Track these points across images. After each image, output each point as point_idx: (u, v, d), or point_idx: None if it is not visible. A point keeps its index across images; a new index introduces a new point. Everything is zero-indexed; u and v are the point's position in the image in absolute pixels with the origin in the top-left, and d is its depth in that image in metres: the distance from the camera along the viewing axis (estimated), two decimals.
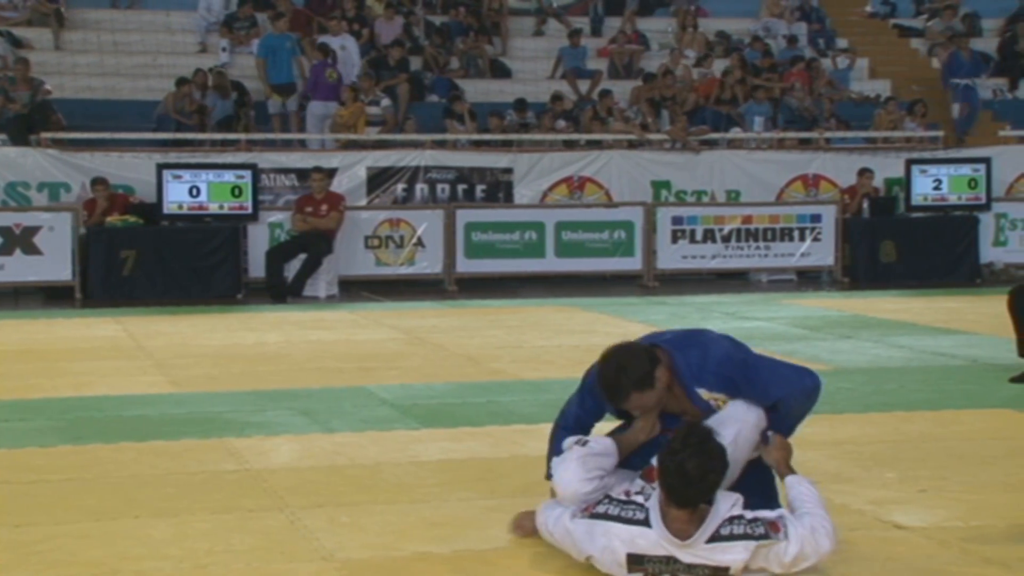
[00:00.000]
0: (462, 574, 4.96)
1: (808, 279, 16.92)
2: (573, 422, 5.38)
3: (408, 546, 5.28)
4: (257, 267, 15.33)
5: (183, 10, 20.48)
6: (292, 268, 15.18)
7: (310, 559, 5.14)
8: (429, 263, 16.07)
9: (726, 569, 4.66)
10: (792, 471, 5.05)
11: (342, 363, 10.22)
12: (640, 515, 4.70)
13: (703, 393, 5.15)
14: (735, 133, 18.69)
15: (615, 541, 4.72)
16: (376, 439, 7.38)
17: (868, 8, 23.49)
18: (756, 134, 18.67)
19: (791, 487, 4.97)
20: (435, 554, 5.18)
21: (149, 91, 18.34)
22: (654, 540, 4.66)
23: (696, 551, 4.63)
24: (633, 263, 16.34)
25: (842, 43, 22.10)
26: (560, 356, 10.49)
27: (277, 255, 15.24)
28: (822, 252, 16.73)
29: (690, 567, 4.66)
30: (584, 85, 19.82)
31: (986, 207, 16.86)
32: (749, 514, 4.70)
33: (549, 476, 5.27)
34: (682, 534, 4.64)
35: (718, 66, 20.14)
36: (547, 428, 7.64)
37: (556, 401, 8.44)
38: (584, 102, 19.20)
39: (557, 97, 18.77)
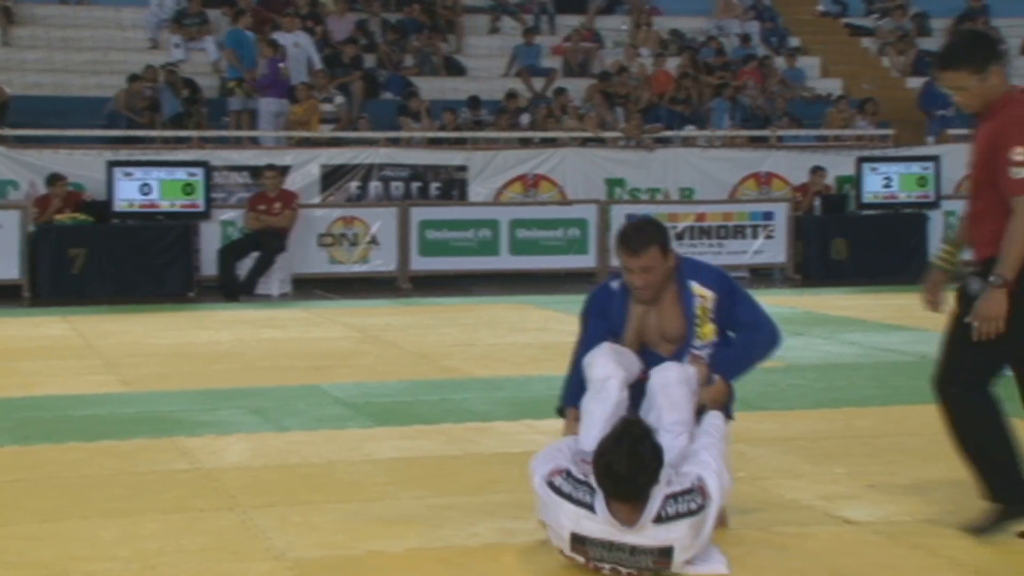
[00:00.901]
0: (415, 572, 4.96)
1: (761, 276, 17.01)
2: (583, 352, 5.46)
3: (361, 545, 5.26)
4: (209, 265, 15.24)
5: (133, 6, 20.36)
6: (245, 266, 15.10)
7: (262, 559, 5.11)
8: (383, 261, 16.04)
9: (669, 550, 4.72)
10: (720, 409, 5.27)
11: (295, 361, 10.18)
12: (588, 498, 4.75)
13: (695, 286, 5.36)
14: (689, 131, 18.76)
15: (562, 518, 4.78)
16: (329, 437, 7.35)
17: (820, 7, 23.64)
18: (711, 132, 18.75)
19: (711, 416, 5.19)
20: (388, 552, 5.17)
21: (99, 88, 18.22)
22: (599, 524, 4.72)
23: (644, 533, 4.71)
24: (587, 261, 16.36)
25: (794, 42, 22.23)
26: (514, 354, 10.49)
27: (230, 253, 15.16)
28: (774, 250, 16.82)
29: (634, 550, 4.72)
30: (539, 83, 19.84)
31: (935, 205, 17.00)
32: (681, 485, 4.79)
33: (559, 411, 5.50)
34: (629, 522, 4.70)
35: (672, 64, 20.22)
36: (500, 425, 7.69)
37: (510, 399, 8.49)
38: (539, 100, 19.22)
39: (512, 95, 18.79)
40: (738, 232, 16.75)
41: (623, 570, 4.77)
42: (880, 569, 5.01)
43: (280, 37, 18.82)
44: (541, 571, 4.94)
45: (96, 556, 5.12)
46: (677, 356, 5.37)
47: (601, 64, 20.43)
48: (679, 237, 16.51)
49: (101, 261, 14.77)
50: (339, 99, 18.37)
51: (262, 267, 15.04)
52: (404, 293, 15.43)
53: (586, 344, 5.46)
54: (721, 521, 5.09)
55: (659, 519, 4.70)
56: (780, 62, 21.03)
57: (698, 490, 4.80)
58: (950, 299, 5.47)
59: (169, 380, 9.34)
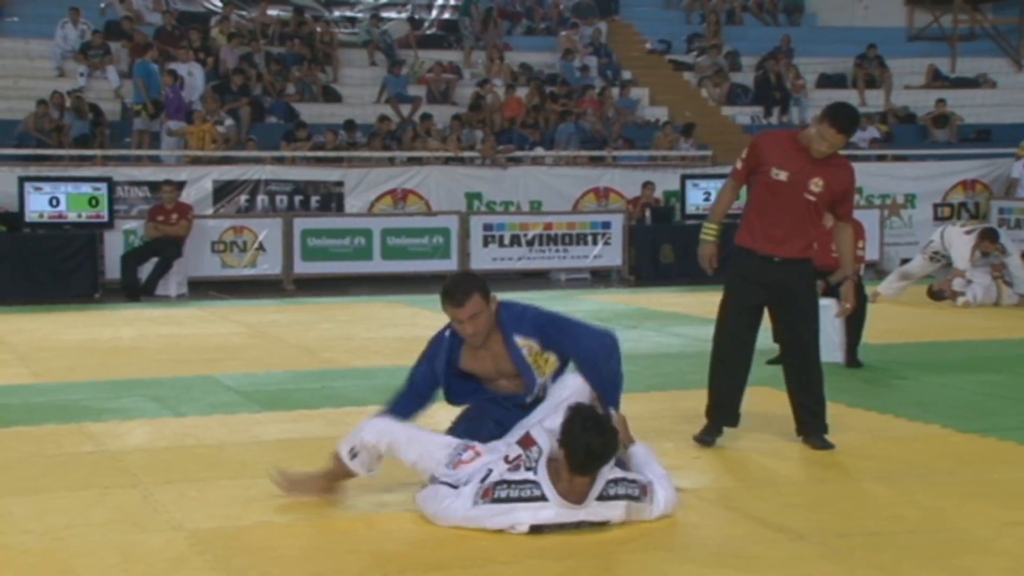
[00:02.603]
0: (298, 539, 4.91)
1: (600, 277, 17.17)
2: (408, 391, 5.46)
3: (250, 516, 5.19)
4: (113, 269, 14.88)
5: (41, 38, 19.80)
6: (145, 271, 14.79)
7: (161, 529, 5.01)
8: (270, 265, 15.83)
9: (604, 523, 4.84)
10: (633, 440, 5.31)
11: (191, 354, 10.00)
12: (536, 491, 4.76)
13: (519, 340, 5.30)
14: (538, 151, 18.87)
15: (520, 516, 4.76)
16: (222, 422, 7.24)
17: (648, 46, 23.93)
18: (555, 152, 18.86)
19: (635, 455, 5.22)
20: (275, 523, 5.11)
21: (10, 111, 17.68)
22: (553, 509, 4.76)
23: (588, 510, 4.79)
24: (450, 264, 16.33)
25: (627, 75, 22.46)
26: (385, 346, 10.45)
27: (131, 258, 14.84)
28: (612, 254, 16.97)
29: (579, 524, 4.80)
30: (406, 109, 19.77)
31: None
32: (628, 475, 4.92)
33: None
34: (580, 498, 4.76)
35: (522, 93, 20.30)
36: (374, 410, 7.61)
37: (382, 386, 8.43)
38: (406, 124, 19.16)
39: (383, 118, 18.71)
40: (580, 239, 16.88)
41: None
42: (696, 528, 5.10)
43: (177, 67, 18.51)
44: (410, 536, 4.93)
45: (9, 530, 4.97)
46: (526, 388, 5.35)
47: (462, 93, 20.44)
48: (529, 244, 16.62)
49: (14, 267, 14.33)
50: (229, 122, 18.08)
51: (161, 271, 14.76)
52: (288, 294, 15.25)
53: (410, 391, 5.45)
54: None
55: (601, 497, 4.79)
56: (615, 92, 21.24)
57: (640, 487, 4.89)
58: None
59: (77, 372, 9.10)
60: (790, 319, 6.45)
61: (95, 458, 6.28)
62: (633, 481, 4.91)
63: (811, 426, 6.42)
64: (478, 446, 5.08)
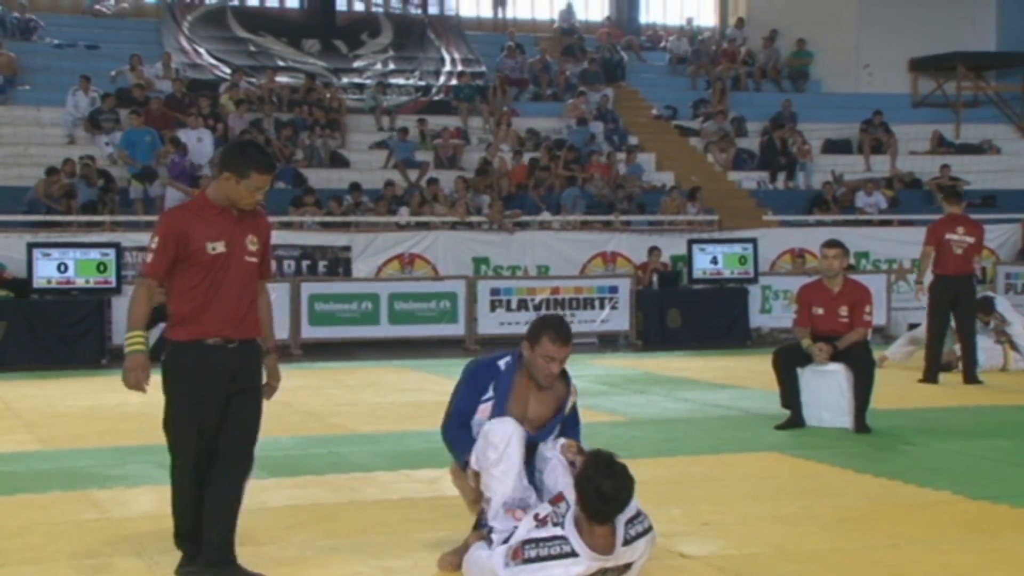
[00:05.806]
0: None
1: (607, 342, 17.14)
2: (460, 417, 5.40)
3: None
4: (120, 335, 14.81)
5: (52, 106, 19.99)
6: (153, 336, 14.71)
7: None
8: (277, 330, 15.74)
9: (629, 564, 4.80)
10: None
11: None
12: (566, 547, 4.70)
13: (574, 383, 5.55)
14: (545, 216, 18.94)
15: (553, 573, 4.69)
16: None
17: (654, 111, 24.10)
18: (562, 217, 18.92)
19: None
20: None
21: (20, 179, 17.79)
22: (585, 564, 4.69)
23: (616, 557, 4.73)
24: (457, 329, 16.35)
25: (633, 140, 22.60)
26: (393, 412, 10.41)
27: None
28: (619, 319, 16.96)
29: (605, 571, 4.75)
30: (413, 174, 19.88)
31: (754, 280, 17.32)
32: (635, 510, 4.84)
33: (465, 463, 5.29)
34: (608, 548, 4.70)
35: (528, 158, 20.41)
36: (381, 475, 7.62)
37: (389, 452, 8.42)
38: (413, 188, 19.25)
39: (389, 183, 18.81)
40: (588, 304, 16.88)
41: None
42: None
43: (184, 134, 18.65)
44: None
45: None
46: (539, 437, 5.34)
47: (469, 158, 20.56)
48: (537, 308, 16.60)
49: (21, 332, 14.34)
50: None
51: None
52: (296, 358, 15.23)
53: (458, 414, 5.36)
54: None
55: (625, 542, 4.75)
56: (621, 157, 21.36)
57: (645, 514, 4.88)
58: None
59: (83, 438, 9.07)
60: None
61: (100, 526, 6.24)
62: (642, 515, 4.86)
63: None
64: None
